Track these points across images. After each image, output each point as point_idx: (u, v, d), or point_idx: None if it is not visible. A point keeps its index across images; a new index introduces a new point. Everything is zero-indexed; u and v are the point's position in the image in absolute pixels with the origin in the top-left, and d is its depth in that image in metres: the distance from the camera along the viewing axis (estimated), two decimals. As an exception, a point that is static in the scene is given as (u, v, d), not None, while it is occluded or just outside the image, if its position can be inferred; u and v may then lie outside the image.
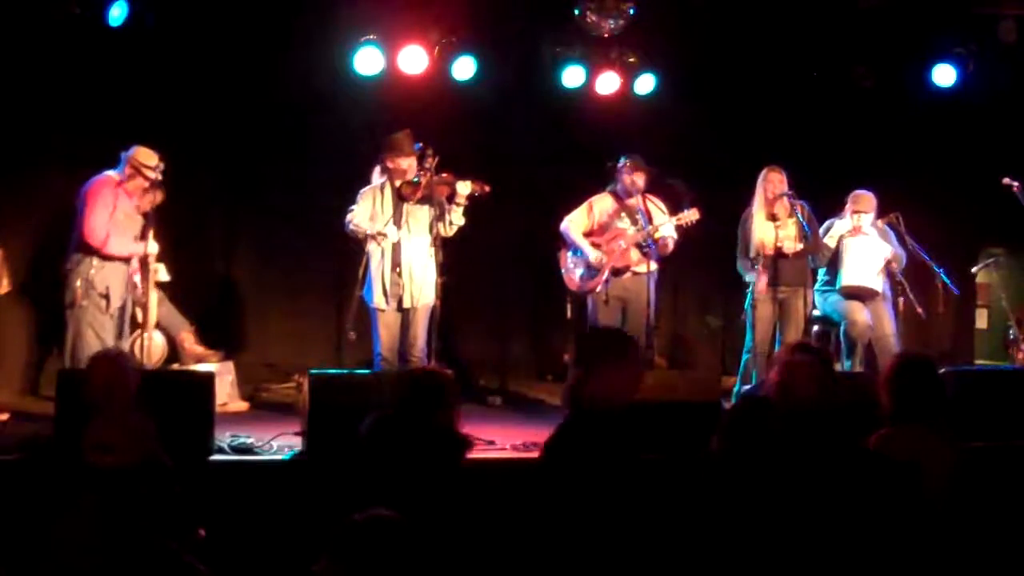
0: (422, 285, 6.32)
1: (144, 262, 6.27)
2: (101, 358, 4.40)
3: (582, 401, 3.40)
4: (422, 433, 3.70)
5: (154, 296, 6.26)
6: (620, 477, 3.24)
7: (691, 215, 6.74)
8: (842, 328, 6.97)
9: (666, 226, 6.77)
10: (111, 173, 6.26)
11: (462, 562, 3.26)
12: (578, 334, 3.84)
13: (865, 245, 6.95)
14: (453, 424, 3.84)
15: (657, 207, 6.92)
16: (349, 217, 6.36)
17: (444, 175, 6.29)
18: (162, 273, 6.48)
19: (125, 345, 6.29)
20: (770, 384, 3.61)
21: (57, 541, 2.66)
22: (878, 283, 6.93)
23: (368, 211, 6.36)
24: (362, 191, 6.43)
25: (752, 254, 6.87)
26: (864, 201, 7.01)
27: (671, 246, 6.84)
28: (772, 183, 6.90)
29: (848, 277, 6.94)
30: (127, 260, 6.27)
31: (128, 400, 4.09)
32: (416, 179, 6.27)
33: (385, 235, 6.28)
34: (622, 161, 6.88)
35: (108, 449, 3.14)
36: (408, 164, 6.33)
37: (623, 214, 6.90)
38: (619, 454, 3.32)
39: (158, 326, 6.51)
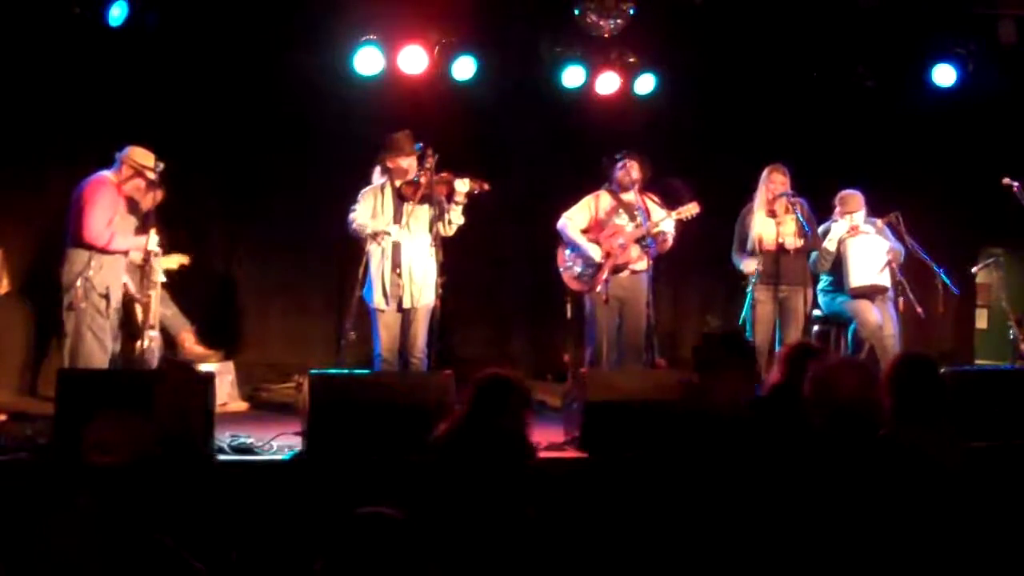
0: (422, 286, 6.31)
1: (145, 260, 6.27)
2: (179, 369, 4.24)
3: (705, 405, 3.40)
4: (488, 438, 3.67)
5: (155, 295, 6.27)
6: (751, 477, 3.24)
7: (691, 209, 6.74)
8: (851, 328, 6.96)
9: (666, 221, 6.77)
10: (107, 173, 6.24)
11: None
12: (699, 341, 3.87)
13: (866, 243, 6.95)
14: (521, 429, 3.79)
15: (656, 203, 6.92)
16: (351, 217, 6.35)
17: (443, 174, 6.29)
18: (163, 268, 6.46)
19: (118, 345, 6.31)
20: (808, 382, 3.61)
21: (55, 540, 2.66)
22: (885, 279, 6.93)
23: (370, 210, 6.36)
24: (363, 191, 6.42)
25: (749, 248, 6.88)
26: (852, 201, 7.01)
27: (670, 242, 6.84)
28: (774, 182, 6.90)
29: (857, 278, 6.92)
30: (125, 254, 6.27)
31: (202, 409, 4.04)
32: (416, 179, 6.27)
33: (388, 233, 6.27)
34: (619, 157, 6.88)
35: (107, 449, 3.13)
36: (408, 164, 6.33)
37: (621, 211, 6.90)
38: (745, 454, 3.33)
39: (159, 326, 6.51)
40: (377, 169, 6.50)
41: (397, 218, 6.32)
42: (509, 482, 3.56)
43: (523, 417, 3.82)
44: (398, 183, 6.34)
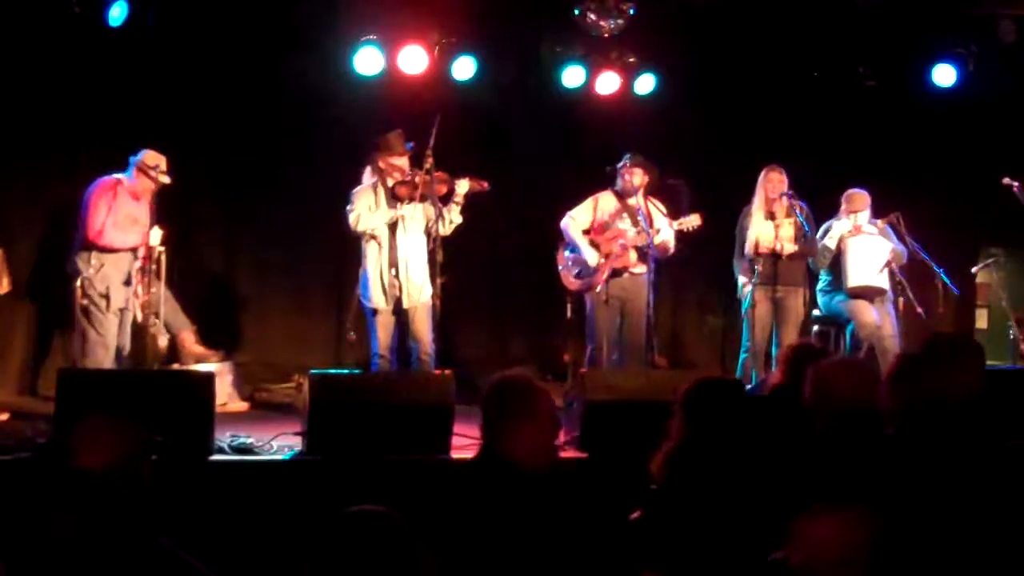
0: (420, 285, 6.31)
1: (148, 256, 6.30)
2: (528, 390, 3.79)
3: (916, 402, 3.36)
4: (721, 454, 3.17)
5: (160, 291, 6.30)
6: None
7: (693, 220, 6.70)
8: (849, 328, 6.96)
9: (665, 231, 6.75)
10: (119, 176, 6.33)
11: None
12: (930, 336, 3.77)
13: (867, 244, 6.94)
14: (747, 436, 3.24)
15: (658, 209, 6.91)
16: (353, 219, 6.33)
17: (439, 174, 6.28)
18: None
19: (127, 342, 6.32)
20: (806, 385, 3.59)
21: (54, 539, 2.66)
22: (884, 281, 6.92)
23: (367, 208, 6.33)
24: (355, 191, 6.41)
25: (747, 252, 6.88)
26: (858, 200, 7.01)
27: (671, 250, 6.83)
28: (772, 183, 6.90)
29: (854, 278, 6.92)
30: (134, 250, 6.29)
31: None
32: (411, 179, 6.26)
33: (403, 216, 6.25)
34: (624, 159, 6.88)
35: (100, 449, 3.13)
36: (401, 163, 6.33)
37: (624, 214, 6.89)
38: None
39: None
40: (368, 170, 6.49)
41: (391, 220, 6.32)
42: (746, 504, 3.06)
43: (746, 422, 3.26)
44: (391, 183, 6.33)
